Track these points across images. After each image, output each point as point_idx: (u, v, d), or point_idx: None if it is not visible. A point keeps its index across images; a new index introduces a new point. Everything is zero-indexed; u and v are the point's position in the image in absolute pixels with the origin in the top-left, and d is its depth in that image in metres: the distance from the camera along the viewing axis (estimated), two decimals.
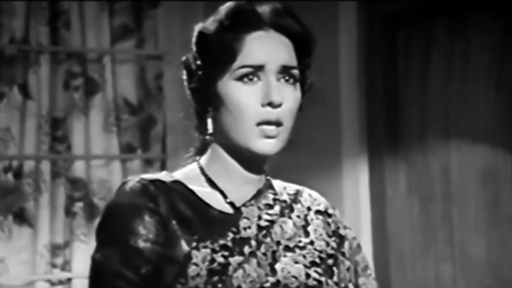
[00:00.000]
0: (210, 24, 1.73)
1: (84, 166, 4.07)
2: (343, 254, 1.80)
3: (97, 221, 3.67)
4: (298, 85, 1.71)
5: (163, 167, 4.12)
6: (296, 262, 1.70)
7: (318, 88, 3.92)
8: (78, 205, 4.03)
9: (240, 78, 1.69)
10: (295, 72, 1.70)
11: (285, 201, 1.77)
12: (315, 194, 1.85)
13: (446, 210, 3.74)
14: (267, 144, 1.69)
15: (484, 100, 3.59)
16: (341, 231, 1.82)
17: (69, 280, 3.99)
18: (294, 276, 1.68)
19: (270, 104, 1.67)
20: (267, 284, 1.65)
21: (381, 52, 3.95)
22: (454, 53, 3.70)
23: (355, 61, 3.98)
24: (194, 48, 1.77)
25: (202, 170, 1.72)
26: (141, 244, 1.67)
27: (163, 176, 1.73)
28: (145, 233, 1.67)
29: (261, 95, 1.68)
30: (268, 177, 1.79)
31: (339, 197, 3.89)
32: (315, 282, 1.70)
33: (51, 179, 3.99)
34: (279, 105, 1.67)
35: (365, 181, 3.94)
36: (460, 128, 3.69)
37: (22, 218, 4.01)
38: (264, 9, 1.73)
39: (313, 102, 3.83)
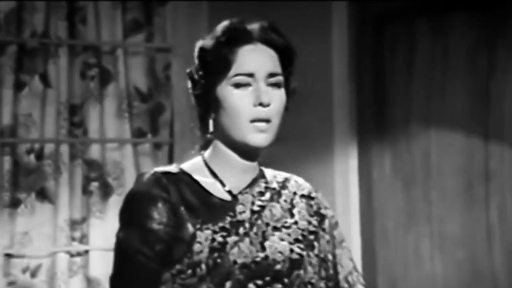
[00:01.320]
0: (208, 40, 2.00)
1: (99, 149, 4.26)
2: (323, 230, 2.09)
3: (111, 199, 3.96)
4: (283, 89, 1.99)
5: (171, 150, 4.29)
6: (282, 240, 1.98)
7: (313, 80, 4.14)
8: (94, 185, 4.22)
9: (235, 84, 1.97)
10: (280, 78, 1.98)
11: (274, 188, 2.05)
12: (300, 180, 2.13)
13: (426, 191, 3.94)
14: (259, 138, 1.97)
15: (461, 91, 3.81)
16: (322, 211, 2.10)
17: (86, 252, 4.17)
18: (280, 252, 1.97)
19: (261, 104, 1.94)
20: (258, 259, 1.94)
21: (370, 48, 4.17)
22: (435, 49, 3.90)
23: (346, 56, 4.16)
24: (196, 61, 2.03)
25: (205, 163, 2.00)
26: (156, 226, 1.95)
27: (173, 168, 2.00)
28: (158, 217, 1.95)
29: (253, 97, 1.96)
30: (261, 168, 2.06)
31: (331, 179, 4.10)
32: (297, 256, 1.99)
33: (69, 161, 4.18)
34: (268, 105, 1.95)
35: (354, 165, 4.14)
36: (440, 117, 3.90)
37: (43, 195, 4.19)
38: (253, 26, 2.00)
39: (308, 93, 4.08)
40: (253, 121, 1.97)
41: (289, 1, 4.26)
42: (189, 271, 1.93)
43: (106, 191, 4.25)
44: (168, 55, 4.32)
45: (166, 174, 1.98)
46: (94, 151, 4.24)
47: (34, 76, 4.19)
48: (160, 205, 1.97)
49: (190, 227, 1.97)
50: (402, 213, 4.06)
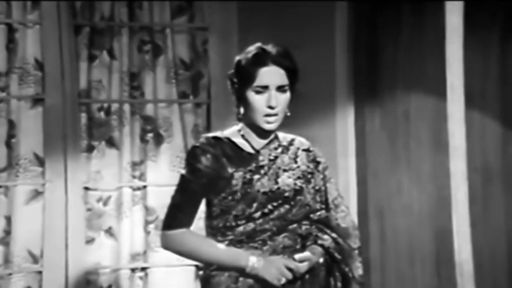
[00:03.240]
0: (243, 58, 2.78)
1: (152, 107, 4.67)
2: (318, 171, 2.89)
3: (162, 146, 4.65)
4: (288, 93, 2.76)
5: (208, 109, 4.69)
6: (289, 177, 2.81)
7: (319, 55, 4.48)
8: (149, 135, 4.62)
9: (256, 91, 2.76)
10: (286, 87, 2.76)
11: (284, 145, 2.87)
12: (302, 139, 2.93)
13: (406, 141, 4.32)
14: (269, 126, 2.77)
15: (434, 63, 4.11)
16: (317, 159, 2.91)
17: (144, 187, 4.59)
18: (287, 185, 2.80)
19: (270, 106, 2.75)
20: (273, 189, 2.76)
21: (365, 29, 4.56)
22: (415, 29, 4.24)
23: (346, 35, 4.58)
24: (234, 69, 2.81)
25: (239, 130, 2.83)
26: (202, 168, 2.77)
27: (218, 133, 2.82)
28: (205, 163, 2.77)
29: (266, 101, 2.75)
30: (276, 132, 2.85)
31: (333, 133, 4.55)
32: (299, 187, 2.81)
33: (130, 116, 4.60)
34: (276, 107, 2.74)
35: (351, 121, 4.58)
36: (418, 83, 4.24)
37: (111, 143, 4.59)
38: (271, 50, 2.76)
39: (315, 65, 4.41)
40: (265, 115, 2.77)
41: (299, 1, 4.56)
42: (229, 197, 2.76)
43: (158, 140, 4.63)
44: (205, 33, 4.67)
45: (214, 137, 2.82)
46: (149, 109, 4.65)
47: (102, 51, 4.58)
48: (208, 155, 2.78)
49: (229, 170, 2.78)
50: (388, 157, 4.45)
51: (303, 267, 2.75)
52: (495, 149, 4.11)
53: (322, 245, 2.82)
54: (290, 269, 2.72)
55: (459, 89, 3.92)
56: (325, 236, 2.84)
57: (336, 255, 2.83)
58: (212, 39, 4.69)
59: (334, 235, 2.85)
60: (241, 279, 2.74)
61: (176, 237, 2.78)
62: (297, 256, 2.75)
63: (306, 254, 2.77)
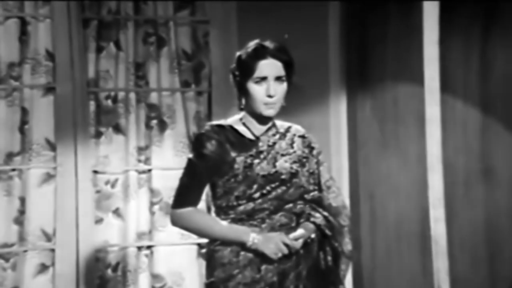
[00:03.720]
0: (243, 52, 2.98)
1: (157, 96, 4.74)
2: (312, 155, 3.11)
3: (166, 132, 4.73)
4: (285, 83, 2.98)
5: (209, 97, 4.77)
6: (286, 162, 3.04)
7: (314, 49, 4.59)
8: (154, 122, 4.72)
9: (255, 82, 2.97)
10: (283, 78, 2.97)
11: (281, 132, 3.09)
12: (298, 126, 3.15)
13: (394, 127, 4.44)
14: (268, 112, 2.98)
15: (417, 56, 4.18)
16: (312, 144, 3.13)
17: (149, 170, 4.69)
18: (284, 168, 3.02)
19: (269, 95, 2.97)
20: (271, 172, 2.98)
21: (356, 26, 4.69)
22: (400, 26, 4.34)
23: (338, 32, 4.72)
24: (235, 63, 3.02)
25: (240, 119, 3.05)
26: (207, 152, 2.99)
27: (221, 122, 3.04)
28: (210, 148, 2.99)
29: (265, 90, 2.96)
30: (273, 120, 3.07)
31: (327, 120, 4.69)
32: (294, 171, 3.03)
33: (136, 104, 4.69)
34: (274, 96, 2.96)
35: (343, 109, 4.73)
36: (404, 74, 4.34)
37: (118, 129, 4.68)
38: (269, 45, 2.97)
39: (311, 58, 4.43)
40: (264, 103, 2.98)
41: (296, 1, 4.67)
42: (232, 179, 2.99)
43: (162, 126, 4.72)
44: (206, 26, 4.77)
45: (218, 125, 3.05)
46: (153, 97, 4.73)
47: (109, 42, 4.67)
48: (213, 141, 3.01)
49: (232, 155, 3.00)
50: (377, 142, 4.57)
51: (298, 244, 2.98)
52: (472, 134, 4.24)
53: (314, 222, 3.04)
54: (286, 245, 2.95)
55: (435, 81, 4.06)
56: (317, 214, 3.06)
57: (327, 231, 3.05)
58: (213, 31, 4.79)
59: (325, 213, 3.07)
60: (242, 253, 2.98)
61: (184, 215, 3.02)
62: (292, 235, 2.98)
63: (300, 231, 2.99)
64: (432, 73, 3.85)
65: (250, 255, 2.99)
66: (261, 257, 2.97)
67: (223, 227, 2.99)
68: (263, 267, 2.98)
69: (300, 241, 2.99)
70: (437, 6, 3.85)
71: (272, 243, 2.94)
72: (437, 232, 3.62)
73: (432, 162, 3.76)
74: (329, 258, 3.04)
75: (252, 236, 2.95)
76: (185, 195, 3.02)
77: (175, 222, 3.06)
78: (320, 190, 3.10)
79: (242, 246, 2.98)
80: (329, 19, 4.71)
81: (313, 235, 3.03)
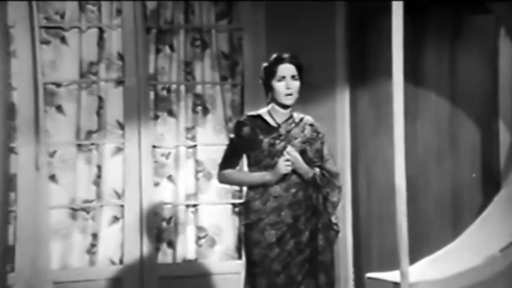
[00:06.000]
0: (267, 64, 3.91)
1: (201, 87, 5.35)
2: (318, 138, 4.04)
3: (208, 116, 5.51)
4: (298, 81, 3.87)
5: (242, 89, 5.30)
6: (298, 142, 3.99)
7: (323, 50, 5.37)
8: (199, 108, 5.34)
9: (278, 80, 3.93)
10: (296, 77, 3.89)
11: (296, 122, 4.02)
12: (309, 117, 4.05)
13: (388, 116, 4.62)
14: (288, 101, 3.94)
15: (408, 58, 4.37)
16: (318, 130, 4.06)
17: (195, 146, 5.29)
18: (296, 147, 3.98)
19: (288, 88, 3.92)
20: (287, 148, 3.93)
21: (357, 31, 5.24)
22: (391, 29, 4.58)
23: (343, 36, 5.26)
24: (262, 70, 3.95)
25: (268, 110, 4.01)
26: (244, 134, 3.97)
27: (254, 113, 3.98)
28: (245, 131, 3.94)
29: (285, 86, 3.90)
30: (291, 112, 4.00)
31: (334, 110, 5.25)
32: (304, 147, 3.96)
33: (185, 94, 5.30)
34: (291, 89, 3.87)
35: (347, 101, 5.28)
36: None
37: (171, 113, 5.27)
38: (285, 55, 3.91)
39: (320, 59, 5.26)
40: (285, 95, 3.92)
41: (305, 1, 5.13)
42: (260, 153, 3.92)
43: (205, 112, 5.36)
44: (241, 32, 5.35)
45: (251, 115, 4.00)
46: (198, 88, 5.32)
47: (165, 46, 5.30)
48: (247, 127, 3.96)
49: (260, 137, 3.95)
50: (374, 129, 5.10)
51: (292, 151, 3.83)
52: (443, 119, 4.81)
53: (314, 173, 3.94)
54: (288, 160, 3.83)
55: (400, 77, 4.19)
56: (317, 169, 3.98)
57: (318, 181, 3.94)
58: (246, 36, 5.34)
59: (324, 171, 3.98)
60: (268, 203, 3.88)
61: (226, 174, 3.98)
62: (288, 149, 3.85)
63: (295, 153, 3.84)
64: (398, 70, 3.95)
65: (274, 204, 3.89)
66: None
67: (252, 176, 3.89)
68: (283, 212, 3.94)
69: (296, 153, 3.83)
70: (401, 8, 3.90)
71: (279, 166, 3.84)
72: (400, 184, 3.95)
73: (398, 146, 4.02)
74: (320, 201, 3.92)
75: (269, 174, 3.84)
76: (227, 162, 3.98)
77: (221, 180, 3.99)
78: (322, 161, 4.06)
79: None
80: (336, 25, 5.26)
81: (310, 174, 3.87)
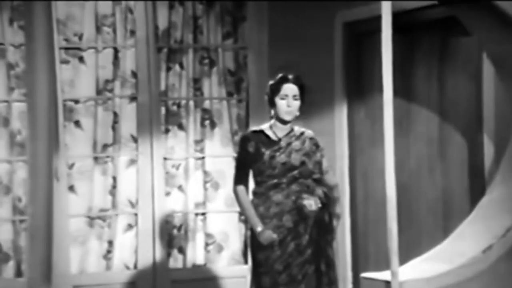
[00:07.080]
0: (272, 82, 4.24)
1: (209, 102, 5.60)
2: (318, 150, 4.34)
3: (215, 129, 5.75)
4: (299, 100, 4.19)
5: (247, 104, 5.48)
6: (298, 155, 4.31)
7: (324, 68, 5.58)
8: (207, 122, 5.54)
9: (281, 98, 4.27)
10: (297, 97, 4.22)
11: (297, 135, 4.32)
12: (309, 131, 4.34)
13: (381, 126, 4.29)
14: (288, 117, 4.25)
15: (399, 76, 4.46)
16: (318, 143, 4.35)
17: (203, 157, 5.51)
18: (295, 159, 4.30)
19: (289, 106, 4.25)
20: (287, 161, 4.23)
21: (354, 48, 5.33)
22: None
23: (340, 60, 5.34)
24: (268, 88, 4.27)
25: (270, 125, 4.33)
26: (249, 149, 4.28)
27: (256, 128, 4.30)
28: (250, 145, 4.25)
29: (286, 104, 4.23)
30: (292, 126, 4.30)
31: (332, 123, 5.35)
32: (304, 160, 4.31)
33: (194, 108, 5.54)
34: (291, 107, 4.20)
35: (345, 113, 5.38)
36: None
37: (181, 127, 5.47)
38: (290, 76, 4.24)
39: (320, 76, 5.46)
40: (285, 112, 4.21)
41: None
42: (262, 165, 4.21)
43: (213, 126, 5.60)
44: (245, 51, 5.60)
45: (254, 131, 4.28)
46: (206, 104, 5.58)
47: (175, 64, 5.50)
48: (251, 142, 4.25)
49: (262, 150, 4.25)
50: (370, 141, 5.19)
51: (311, 204, 4.13)
52: (432, 133, 4.97)
53: (318, 196, 4.22)
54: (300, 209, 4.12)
55: (389, 94, 4.14)
56: (319, 190, 4.25)
57: (325, 201, 4.26)
58: (250, 55, 5.57)
59: (325, 189, 4.26)
60: (271, 208, 4.10)
61: (239, 192, 4.23)
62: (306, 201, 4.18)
63: (310, 201, 4.15)
64: (388, 86, 3.95)
65: (276, 210, 4.19)
66: (282, 211, 4.16)
67: (252, 214, 4.15)
68: (284, 217, 4.26)
69: (314, 206, 4.10)
70: (390, 28, 3.86)
71: (265, 237, 4.09)
72: (390, 193, 4.07)
73: (388, 158, 4.04)
74: (327, 217, 4.25)
75: (258, 229, 4.08)
76: (239, 175, 4.25)
77: (235, 194, 4.24)
78: (321, 173, 4.34)
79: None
80: (334, 43, 5.41)
81: (319, 205, 4.16)
